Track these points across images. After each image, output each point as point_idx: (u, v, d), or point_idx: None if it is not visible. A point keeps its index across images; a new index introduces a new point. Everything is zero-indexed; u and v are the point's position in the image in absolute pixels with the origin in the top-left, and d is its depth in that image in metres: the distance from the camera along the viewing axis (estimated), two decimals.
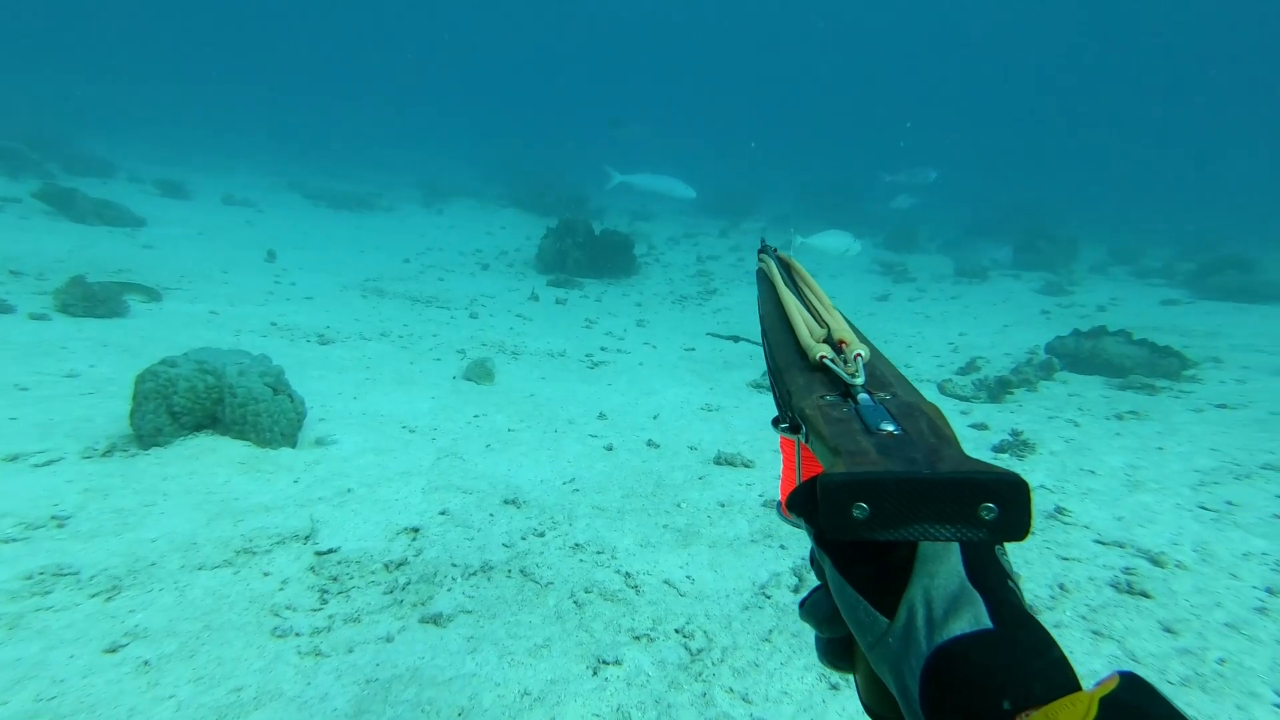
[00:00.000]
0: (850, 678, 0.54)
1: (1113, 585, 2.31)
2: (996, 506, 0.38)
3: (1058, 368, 5.41)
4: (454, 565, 2.30)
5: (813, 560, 0.52)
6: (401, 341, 5.42)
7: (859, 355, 0.54)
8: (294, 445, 2.99)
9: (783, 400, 0.59)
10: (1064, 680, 0.36)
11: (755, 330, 4.81)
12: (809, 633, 2.19)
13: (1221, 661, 1.86)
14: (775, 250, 0.88)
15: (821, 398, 0.51)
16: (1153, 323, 7.11)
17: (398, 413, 3.85)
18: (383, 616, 1.96)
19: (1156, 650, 1.95)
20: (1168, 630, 2.04)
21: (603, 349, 5.97)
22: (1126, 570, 2.38)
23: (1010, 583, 0.42)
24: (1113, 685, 0.33)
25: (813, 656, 2.02)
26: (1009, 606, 0.40)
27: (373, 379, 4.37)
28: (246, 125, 23.79)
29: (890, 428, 0.45)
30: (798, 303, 0.67)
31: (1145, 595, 2.22)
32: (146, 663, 1.69)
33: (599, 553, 2.58)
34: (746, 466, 3.50)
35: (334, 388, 4.02)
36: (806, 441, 0.50)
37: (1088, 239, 12.45)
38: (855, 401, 0.49)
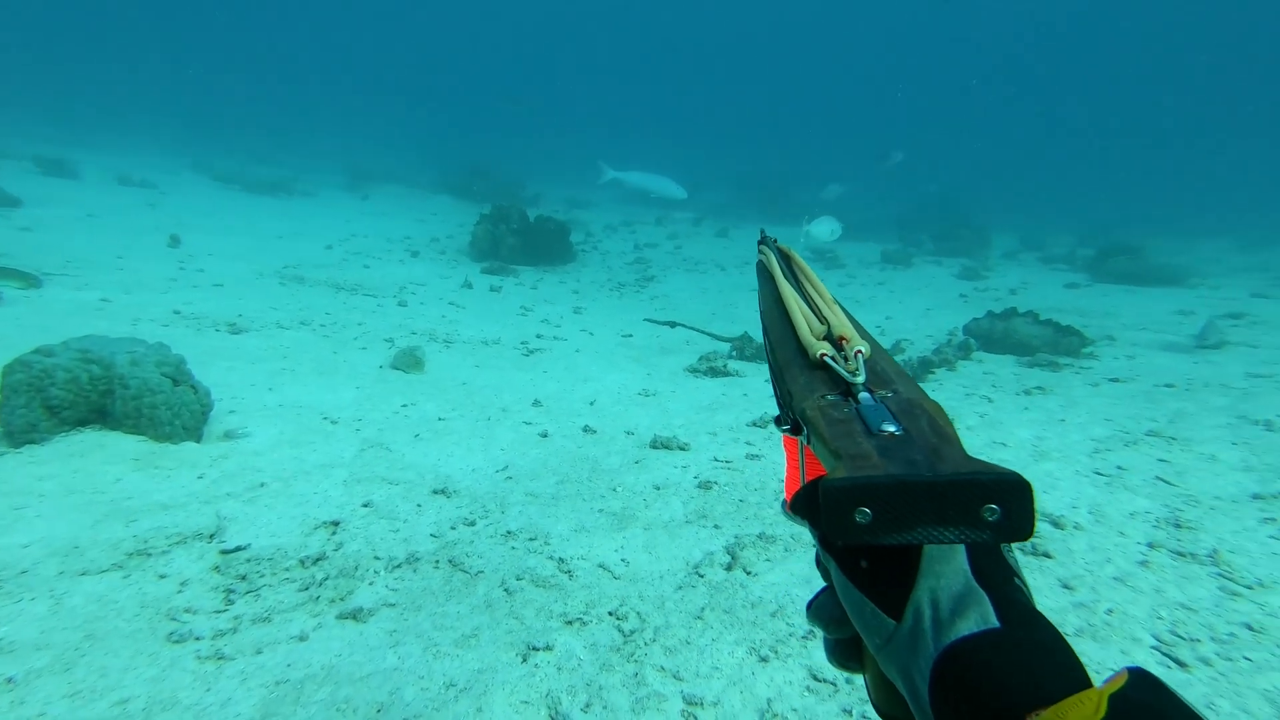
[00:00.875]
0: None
1: (1019, 548, 2.46)
2: (999, 507, 0.37)
3: (974, 348, 5.71)
4: (377, 558, 2.19)
5: (818, 561, 0.51)
6: (324, 330, 5.13)
7: (859, 352, 0.54)
8: (199, 439, 2.77)
9: (784, 400, 0.58)
10: (1073, 678, 0.35)
11: (691, 315, 4.83)
12: (740, 609, 2.22)
13: (1110, 612, 2.01)
14: (775, 241, 0.84)
15: (823, 398, 0.50)
16: (1057, 304, 7.63)
17: (318, 403, 3.64)
18: (297, 614, 1.84)
19: (1055, 605, 2.09)
20: (1066, 586, 2.19)
21: (539, 336, 5.87)
22: None
23: (1017, 580, 0.42)
24: (1122, 681, 0.33)
25: (744, 631, 2.05)
26: (1016, 605, 0.40)
27: (291, 369, 4.12)
28: (145, 103, 21.80)
29: (891, 428, 0.44)
30: (798, 298, 0.65)
31: (1047, 555, 2.38)
32: (10, 680, 1.51)
33: (532, 539, 2.53)
34: (682, 449, 3.51)
35: (246, 379, 3.76)
36: (808, 443, 0.49)
37: (1001, 227, 13.24)
38: (856, 400, 0.48)
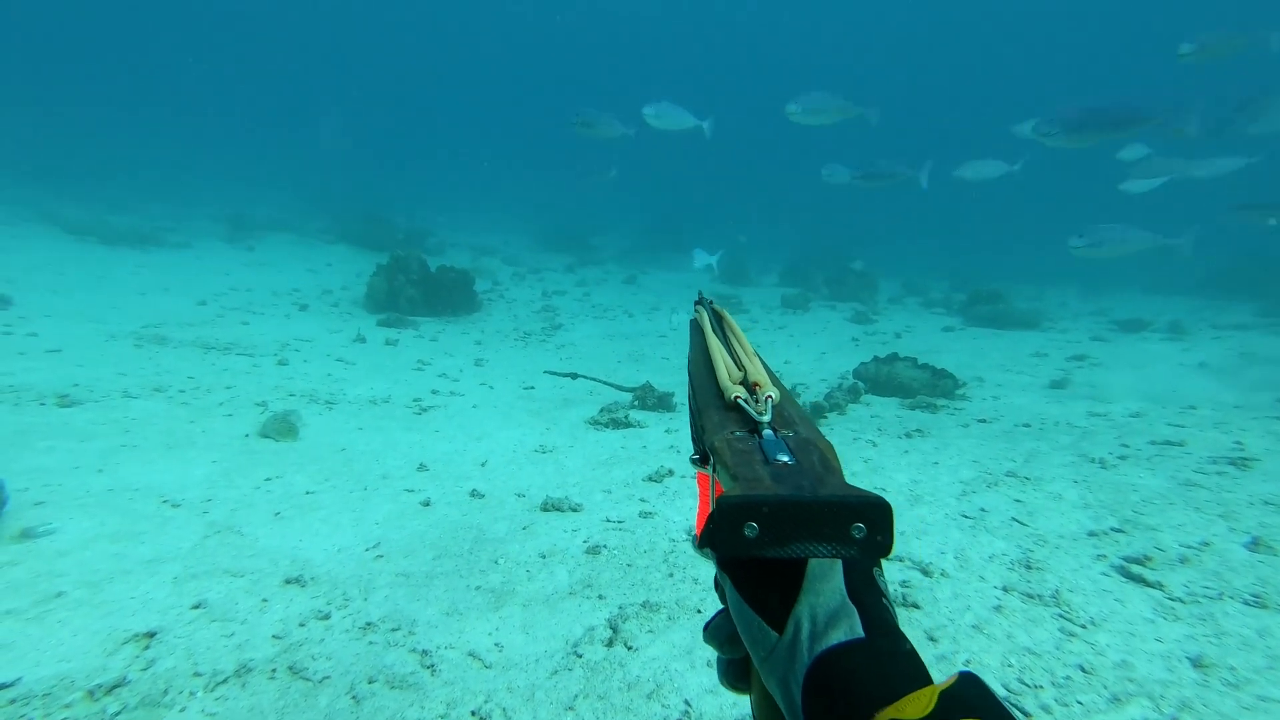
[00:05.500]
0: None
1: (892, 600, 2.52)
2: (865, 526, 0.43)
3: (863, 391, 6.02)
4: (197, 675, 1.91)
5: (716, 584, 0.56)
6: (182, 397, 4.65)
7: (769, 397, 0.60)
8: None
9: (697, 436, 0.65)
10: (918, 680, 0.41)
11: (598, 364, 4.78)
12: (615, 692, 2.11)
13: (967, 662, 2.08)
14: (711, 302, 0.94)
15: (731, 433, 0.56)
16: (935, 346, 8.26)
17: (160, 484, 3.25)
18: None
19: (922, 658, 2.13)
20: (931, 639, 2.25)
21: (434, 392, 5.62)
22: (903, 584, 2.61)
23: (884, 600, 0.48)
24: (952, 682, 0.39)
25: (616, 719, 1.94)
26: (880, 620, 0.45)
27: (132, 445, 3.67)
28: None
29: (785, 458, 0.50)
30: (723, 349, 0.72)
31: (915, 606, 2.44)
32: None
33: (394, 630, 2.32)
34: (575, 511, 3.41)
35: (70, 461, 3.29)
36: (714, 472, 0.54)
37: (886, 273, 14.31)
38: (760, 437, 0.54)
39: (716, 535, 0.44)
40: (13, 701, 1.68)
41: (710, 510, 0.46)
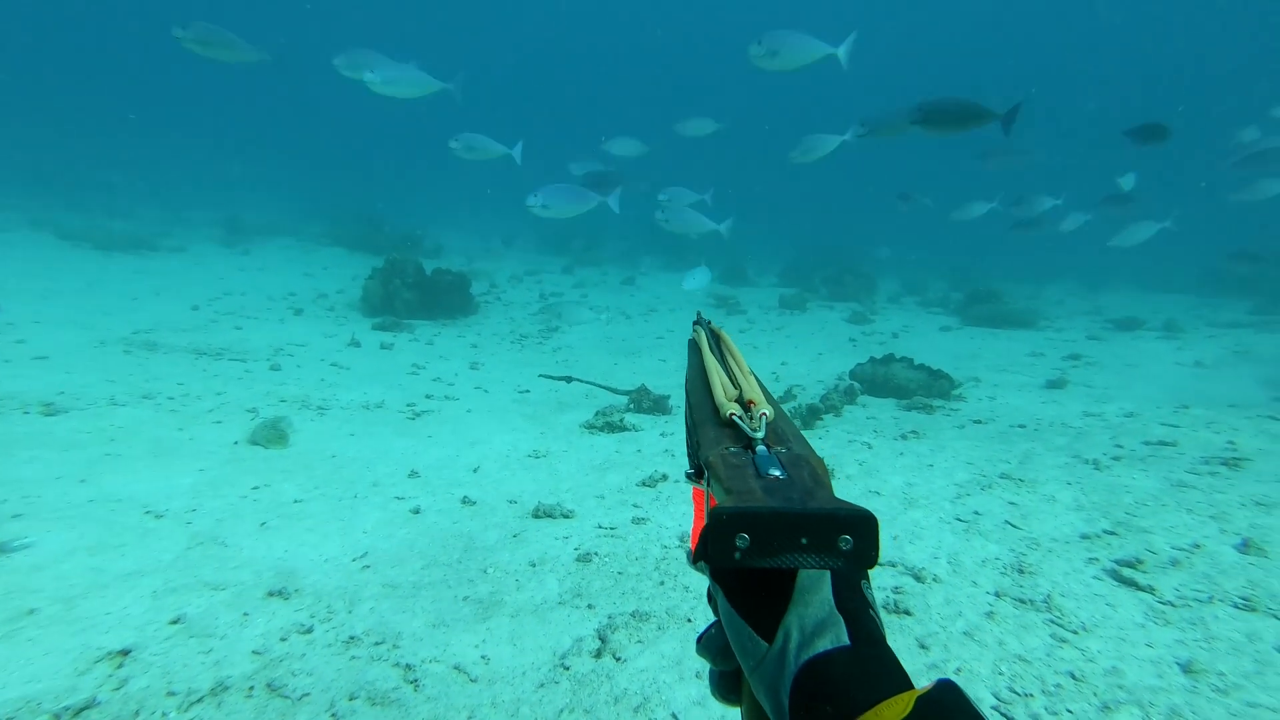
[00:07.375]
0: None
1: (884, 606, 2.48)
2: (852, 538, 0.44)
3: (859, 392, 5.98)
4: (171, 694, 1.87)
5: (709, 596, 0.57)
6: (171, 404, 4.61)
7: (764, 415, 0.61)
8: None
9: (693, 450, 0.67)
10: (899, 685, 0.42)
11: (595, 366, 4.73)
12: (602, 706, 2.07)
13: (958, 670, 2.05)
14: (710, 323, 0.97)
15: (726, 449, 0.57)
16: (932, 346, 8.23)
17: (144, 494, 3.21)
18: None
19: (911, 668, 2.08)
20: (922, 646, 2.22)
21: (428, 396, 5.58)
22: (895, 589, 2.58)
23: (871, 611, 0.49)
24: (930, 688, 0.40)
25: None
26: (865, 629, 0.46)
27: (117, 454, 3.63)
28: None
29: (777, 473, 0.51)
30: (719, 367, 0.74)
31: (907, 613, 2.41)
32: None
33: (378, 644, 2.28)
34: (566, 517, 3.37)
35: (51, 471, 3.26)
36: (708, 486, 0.56)
37: (885, 271, 14.27)
38: (754, 453, 0.56)
39: (710, 546, 0.45)
40: None
41: (704, 522, 0.47)
